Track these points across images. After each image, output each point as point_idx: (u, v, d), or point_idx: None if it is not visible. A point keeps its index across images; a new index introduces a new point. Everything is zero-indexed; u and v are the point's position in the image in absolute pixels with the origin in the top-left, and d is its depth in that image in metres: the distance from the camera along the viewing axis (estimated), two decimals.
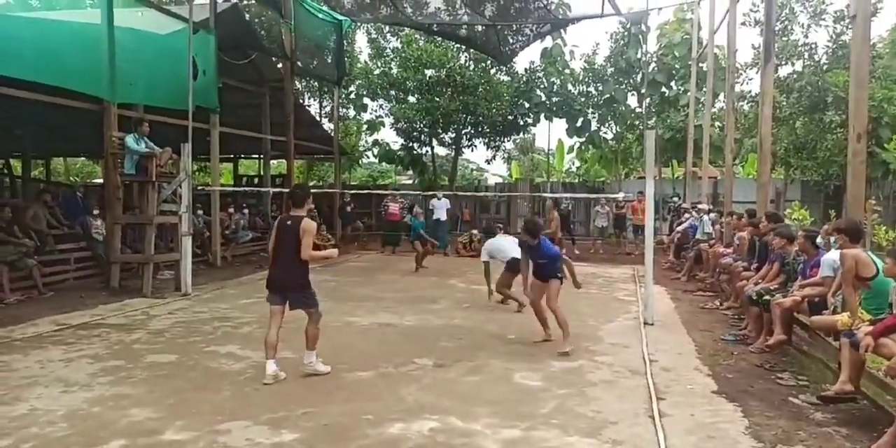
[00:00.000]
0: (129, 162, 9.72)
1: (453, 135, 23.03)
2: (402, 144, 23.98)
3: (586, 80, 22.35)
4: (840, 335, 4.93)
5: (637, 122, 22.20)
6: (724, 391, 5.21)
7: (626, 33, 21.54)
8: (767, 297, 6.64)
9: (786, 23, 19.42)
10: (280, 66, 17.10)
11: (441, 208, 16.61)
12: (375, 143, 25.35)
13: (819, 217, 16.62)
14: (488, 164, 27.15)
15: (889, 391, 4.43)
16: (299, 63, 16.96)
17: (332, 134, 20.36)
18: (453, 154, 24.58)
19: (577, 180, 26.14)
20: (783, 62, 19.56)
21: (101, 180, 18.56)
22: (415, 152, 23.89)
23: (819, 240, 6.90)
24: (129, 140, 9.62)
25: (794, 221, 11.72)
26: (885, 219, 13.24)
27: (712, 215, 12.77)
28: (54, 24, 9.91)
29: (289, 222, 5.30)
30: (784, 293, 6.56)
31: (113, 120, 10.09)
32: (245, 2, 17.99)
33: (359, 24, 20.72)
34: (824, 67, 18.69)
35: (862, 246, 5.57)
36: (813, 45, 19.48)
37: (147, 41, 10.71)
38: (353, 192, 21.18)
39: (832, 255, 5.94)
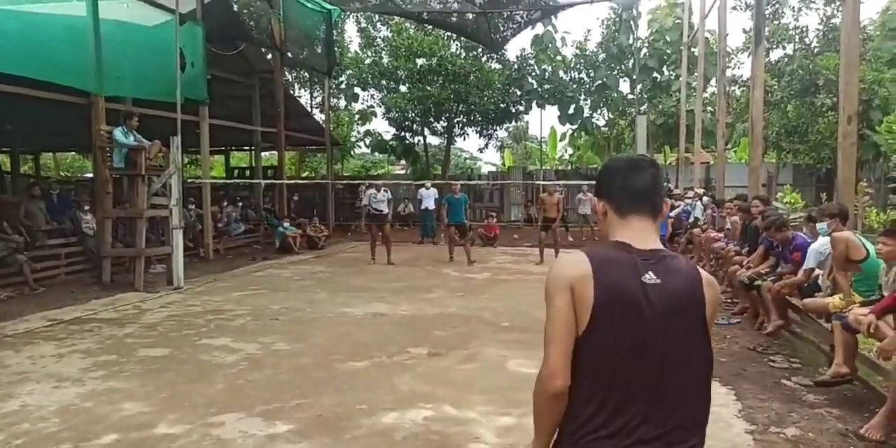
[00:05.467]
0: (118, 155, 9.65)
1: (445, 124, 22.97)
2: (394, 134, 23.92)
3: (578, 66, 22.30)
4: (832, 317, 4.95)
5: (629, 109, 22.17)
6: (718, 375, 5.21)
7: (617, 19, 21.50)
8: (759, 282, 6.67)
9: (776, 6, 19.41)
10: (269, 56, 16.98)
11: (429, 198, 16.60)
12: (367, 133, 25.27)
13: (811, 200, 16.67)
14: (481, 152, 27.19)
15: (880, 372, 4.45)
16: (289, 53, 16.81)
17: (324, 125, 20.27)
18: (446, 143, 24.53)
19: (569, 167, 26.14)
20: (774, 46, 19.57)
21: (91, 174, 18.45)
22: (407, 142, 23.83)
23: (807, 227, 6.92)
24: (118, 133, 9.54)
25: (785, 205, 11.74)
26: (877, 201, 13.29)
27: (705, 199, 12.78)
28: (39, 18, 9.79)
29: (658, 280, 1.60)
30: (774, 278, 6.58)
31: (101, 113, 9.99)
32: None
33: (348, 12, 20.58)
34: (815, 51, 18.70)
35: (852, 228, 5.58)
36: (804, 29, 19.52)
37: (133, 33, 10.60)
38: (345, 182, 21.12)
39: (817, 246, 5.95)
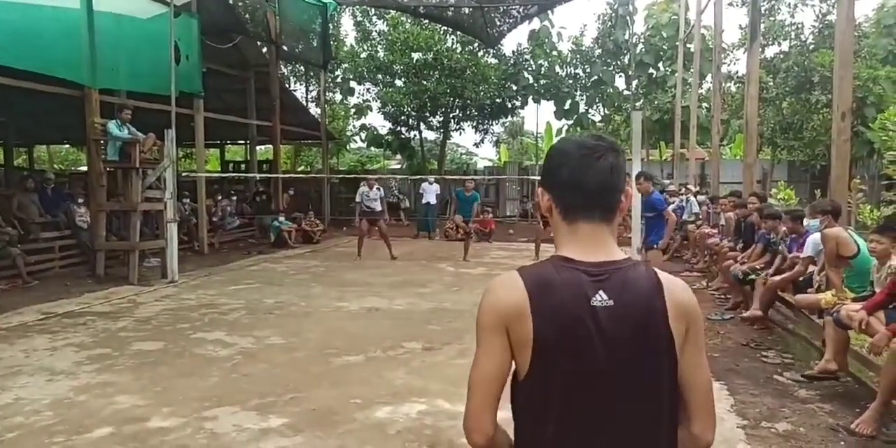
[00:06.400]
0: (112, 148, 9.63)
1: (441, 118, 22.95)
2: (390, 129, 23.89)
3: (574, 61, 22.31)
4: (824, 313, 4.98)
5: (625, 104, 22.19)
6: (711, 370, 5.21)
7: (613, 14, 21.48)
8: (753, 277, 6.70)
9: (772, 2, 19.41)
10: (265, 50, 16.91)
11: (431, 192, 16.59)
12: (363, 127, 25.22)
13: (805, 197, 16.72)
14: (477, 147, 27.16)
15: (871, 367, 4.48)
16: (284, 47, 16.79)
17: (319, 119, 20.23)
18: (442, 138, 24.51)
19: None
20: (770, 42, 19.58)
21: (85, 167, 18.38)
22: (403, 136, 23.80)
23: (806, 221, 6.95)
24: (112, 126, 9.51)
25: (779, 201, 11.77)
26: (870, 198, 13.32)
27: (700, 197, 12.81)
28: (32, 9, 9.74)
29: (608, 301, 1.32)
30: (771, 272, 6.62)
31: (95, 106, 9.93)
32: None
33: (344, 6, 20.52)
34: (811, 47, 18.71)
35: (846, 225, 5.62)
36: (799, 25, 19.52)
37: (128, 26, 10.55)
38: (340, 176, 21.10)
39: (815, 237, 6.00)
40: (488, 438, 1.37)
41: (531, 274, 1.35)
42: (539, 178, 1.50)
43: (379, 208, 12.28)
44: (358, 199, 12.18)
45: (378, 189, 12.44)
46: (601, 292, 1.31)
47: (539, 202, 1.46)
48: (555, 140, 26.89)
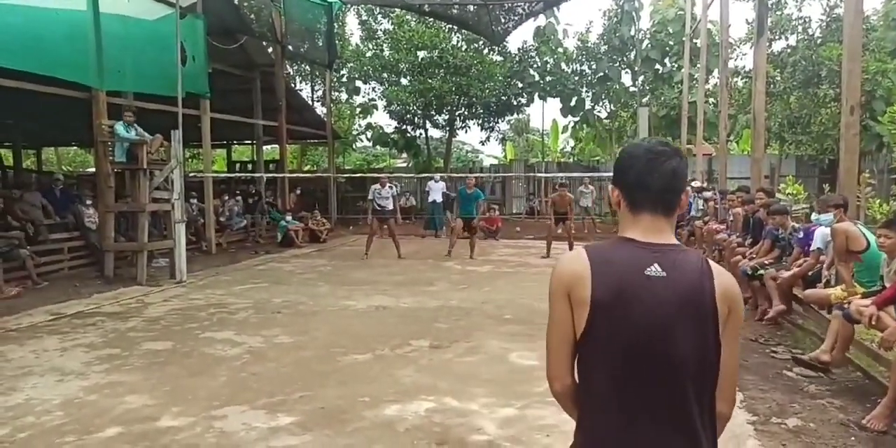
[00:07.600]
0: (120, 150, 9.66)
1: (447, 116, 22.94)
2: (396, 127, 23.89)
3: (580, 58, 22.23)
4: (833, 308, 4.96)
5: (631, 101, 22.11)
6: None
7: (619, 10, 21.40)
8: (761, 272, 6.67)
9: None
10: (270, 50, 16.93)
11: (437, 190, 16.58)
12: (369, 126, 25.24)
13: (814, 192, 16.61)
14: (483, 145, 27.11)
15: (882, 362, 4.46)
16: (290, 47, 16.82)
17: (325, 118, 20.24)
18: (447, 136, 24.50)
19: (571, 160, 26.08)
20: (777, 37, 19.46)
21: (93, 169, 18.46)
22: (409, 135, 23.80)
23: (814, 216, 6.90)
24: (119, 127, 9.55)
25: (787, 196, 11.71)
26: (879, 192, 13.24)
27: (707, 194, 12.74)
28: (39, 12, 9.78)
29: (658, 270, 1.47)
30: (778, 267, 6.59)
31: (102, 108, 9.99)
32: None
33: (349, 5, 20.53)
34: (818, 41, 18.59)
35: (854, 219, 5.58)
36: (807, 19, 19.39)
37: (134, 27, 10.58)
38: (346, 176, 21.12)
39: (824, 230, 5.96)
40: (565, 386, 1.59)
41: (595, 248, 1.56)
42: (613, 173, 1.63)
43: (390, 207, 12.18)
44: (370, 196, 12.11)
45: (391, 187, 12.36)
46: (656, 265, 1.48)
47: (611, 196, 1.64)
48: (560, 137, 27.04)
